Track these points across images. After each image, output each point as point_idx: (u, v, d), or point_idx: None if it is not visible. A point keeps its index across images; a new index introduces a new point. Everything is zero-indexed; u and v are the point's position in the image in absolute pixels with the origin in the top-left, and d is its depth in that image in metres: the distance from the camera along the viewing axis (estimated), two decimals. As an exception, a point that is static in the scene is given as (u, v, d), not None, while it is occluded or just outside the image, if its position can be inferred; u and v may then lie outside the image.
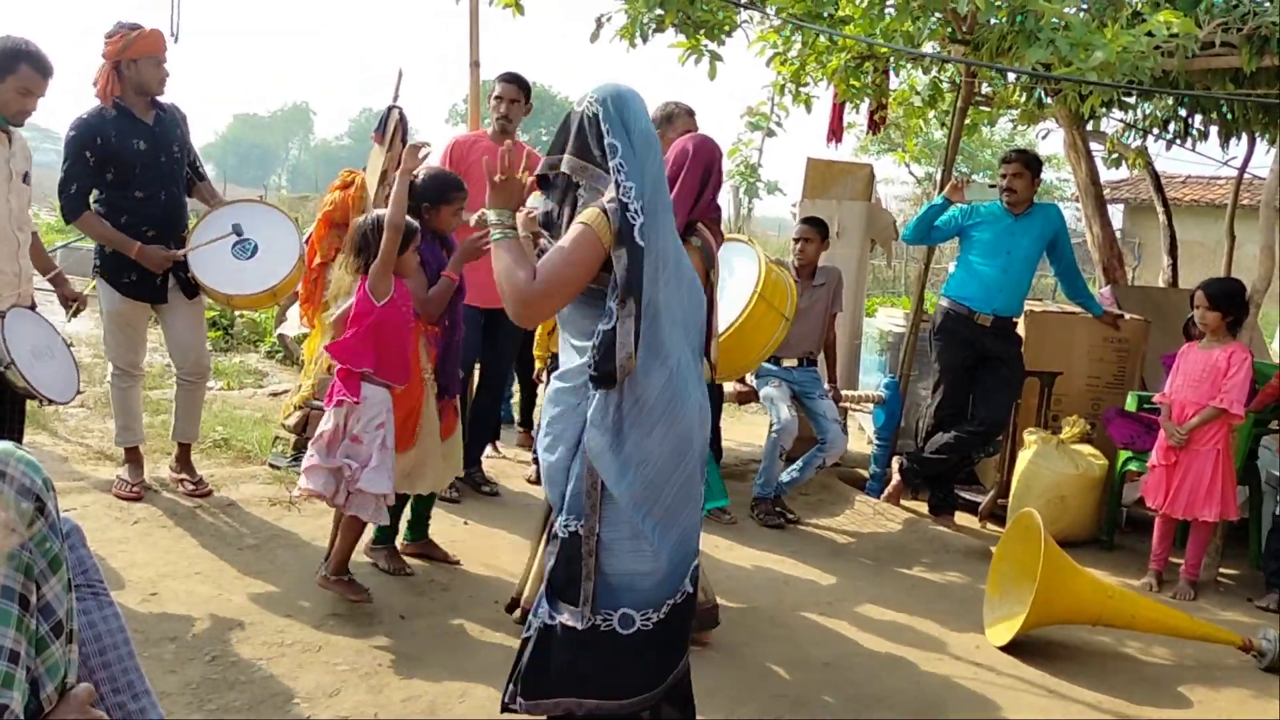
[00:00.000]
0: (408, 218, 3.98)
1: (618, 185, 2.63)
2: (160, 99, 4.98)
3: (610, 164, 2.65)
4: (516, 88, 5.62)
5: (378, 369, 3.95)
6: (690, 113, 5.85)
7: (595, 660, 2.69)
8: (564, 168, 2.74)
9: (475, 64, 6.59)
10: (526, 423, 6.52)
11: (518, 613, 3.93)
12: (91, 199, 4.87)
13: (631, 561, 2.68)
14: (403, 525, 4.57)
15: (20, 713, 1.64)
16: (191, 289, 5.03)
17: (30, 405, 4.50)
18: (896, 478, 6.26)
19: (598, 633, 2.69)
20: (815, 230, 6.12)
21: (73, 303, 4.68)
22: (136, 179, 4.86)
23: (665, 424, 2.67)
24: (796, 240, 6.16)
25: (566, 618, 2.69)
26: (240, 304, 5.37)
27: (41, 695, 1.74)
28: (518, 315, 2.65)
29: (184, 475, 5.19)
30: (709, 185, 3.59)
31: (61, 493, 1.99)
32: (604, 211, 2.61)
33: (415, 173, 4.30)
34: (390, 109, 5.31)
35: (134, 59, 4.80)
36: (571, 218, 2.70)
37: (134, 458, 5.13)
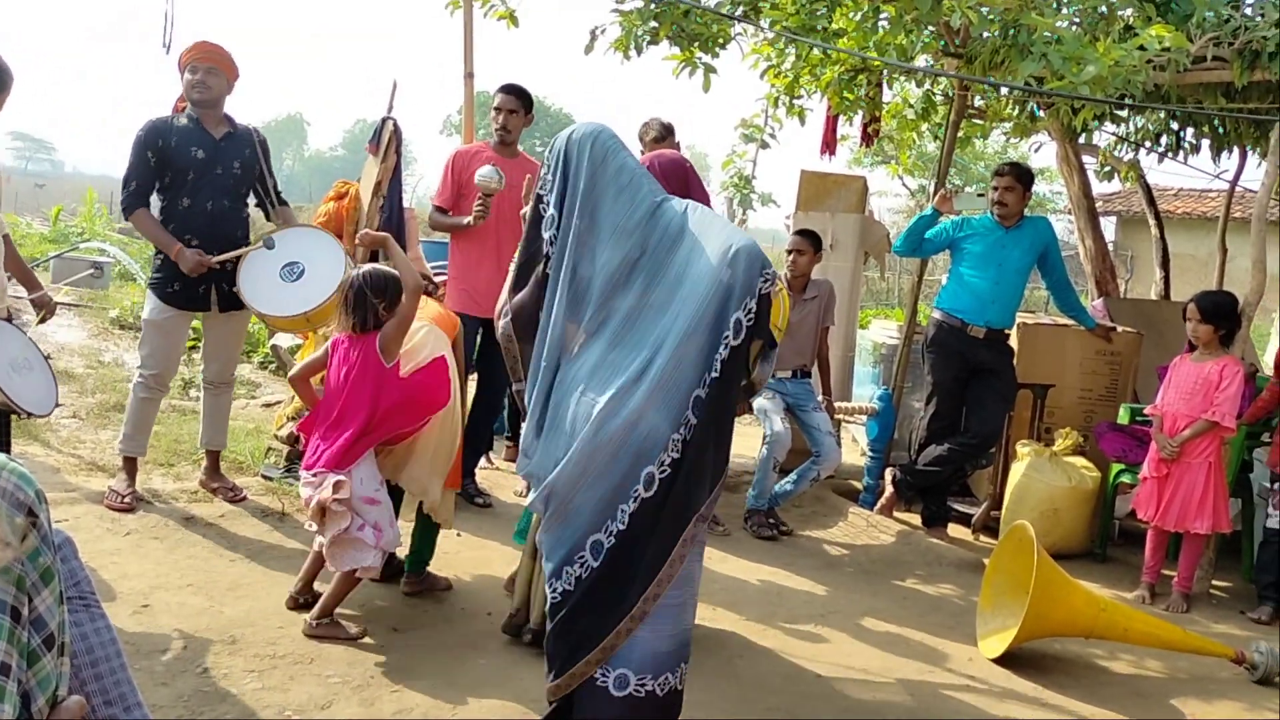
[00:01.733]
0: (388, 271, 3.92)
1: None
2: (234, 118, 5.09)
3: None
4: (515, 99, 5.64)
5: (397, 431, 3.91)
6: (669, 131, 5.89)
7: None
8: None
9: (469, 75, 6.62)
10: (517, 435, 6.51)
11: (528, 636, 3.89)
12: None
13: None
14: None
15: (11, 725, 1.63)
16: (227, 302, 5.05)
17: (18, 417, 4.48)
18: (889, 489, 6.27)
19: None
20: (808, 242, 6.12)
21: (41, 309, 4.65)
22: (188, 187, 4.93)
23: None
24: (789, 252, 6.17)
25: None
26: (276, 324, 5.37)
27: (33, 708, 1.73)
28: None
29: (218, 484, 5.23)
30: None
31: (53, 504, 1.98)
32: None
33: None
34: (384, 120, 5.32)
35: (181, 70, 4.97)
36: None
37: (129, 468, 5.13)
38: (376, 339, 3.82)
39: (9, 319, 4.30)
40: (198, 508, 5.07)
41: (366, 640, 3.88)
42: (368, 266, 3.97)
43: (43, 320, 4.64)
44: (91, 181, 27.60)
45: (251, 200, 5.24)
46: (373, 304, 3.82)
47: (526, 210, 3.39)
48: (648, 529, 2.80)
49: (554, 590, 2.88)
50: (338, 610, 3.93)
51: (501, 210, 5.34)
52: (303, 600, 4.03)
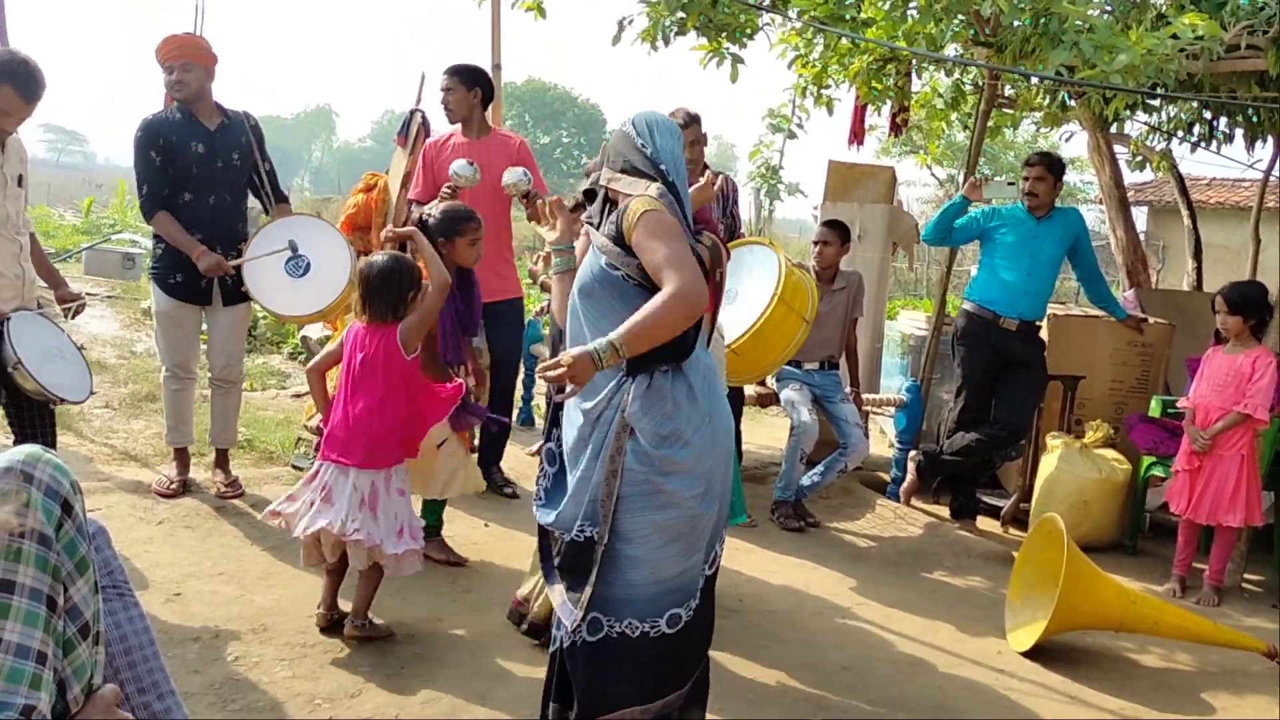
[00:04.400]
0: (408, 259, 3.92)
1: (663, 174, 2.82)
2: (227, 107, 5.08)
3: (649, 158, 2.85)
4: (451, 77, 5.47)
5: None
6: (695, 120, 5.85)
7: (648, 666, 2.78)
8: (602, 180, 2.92)
9: (497, 67, 6.60)
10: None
11: (525, 625, 3.92)
12: None
13: (646, 571, 2.75)
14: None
15: (48, 714, 1.65)
16: (230, 296, 5.08)
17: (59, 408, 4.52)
18: (911, 475, 6.23)
19: (616, 642, 2.76)
20: (835, 233, 6.10)
21: (70, 304, 4.67)
22: (190, 182, 4.95)
23: (711, 412, 2.83)
24: (816, 243, 6.15)
25: (570, 623, 2.78)
26: (289, 321, 5.40)
27: (68, 696, 1.75)
28: (693, 311, 2.64)
29: (218, 479, 5.26)
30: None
31: (87, 493, 2.00)
32: (655, 197, 2.75)
33: (430, 213, 4.28)
34: (413, 112, 5.34)
35: (161, 65, 4.92)
36: (609, 220, 2.85)
37: (180, 457, 5.22)
38: (398, 331, 3.79)
39: (38, 310, 4.34)
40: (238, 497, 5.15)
41: (395, 630, 3.90)
42: (386, 255, 3.90)
43: (75, 314, 4.68)
44: (123, 174, 27.78)
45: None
46: (399, 295, 3.80)
47: (564, 197, 3.40)
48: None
49: (689, 609, 2.81)
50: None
51: (478, 194, 5.13)
52: (335, 618, 3.89)
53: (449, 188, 4.90)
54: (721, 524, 2.94)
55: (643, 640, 2.75)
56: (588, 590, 2.73)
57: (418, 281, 3.86)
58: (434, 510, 4.62)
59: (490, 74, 5.75)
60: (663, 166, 2.84)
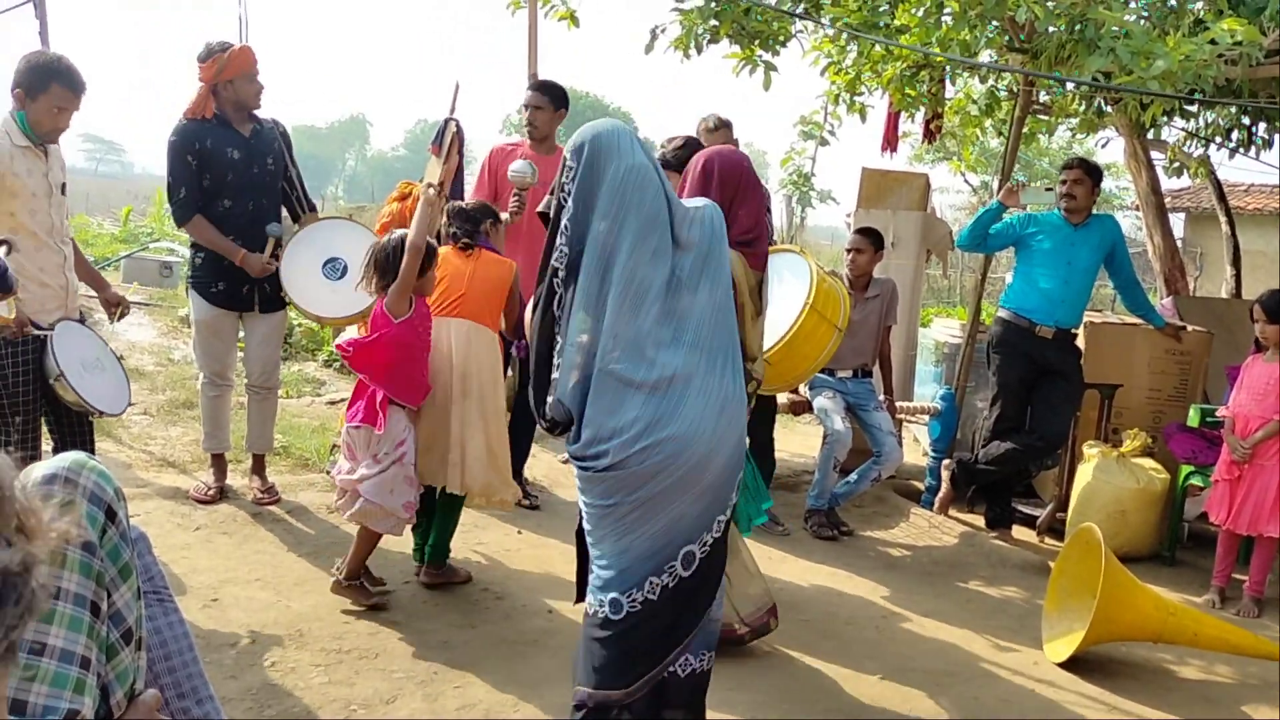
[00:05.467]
0: (428, 239, 4.09)
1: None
2: (259, 114, 5.12)
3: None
4: (541, 95, 5.64)
5: (391, 388, 4.02)
6: (727, 125, 5.86)
7: (596, 650, 2.82)
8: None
9: (533, 77, 6.64)
10: None
11: None
12: None
13: (613, 540, 2.80)
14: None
15: (91, 718, 1.67)
16: (268, 303, 5.12)
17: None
18: (946, 485, 6.19)
19: (596, 621, 2.82)
20: (868, 240, 6.08)
21: (115, 307, 4.72)
22: (227, 188, 5.00)
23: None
24: (849, 251, 6.13)
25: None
26: (329, 324, 5.46)
27: (111, 701, 1.78)
28: None
29: (256, 485, 5.31)
30: (736, 202, 3.49)
31: (126, 499, 2.04)
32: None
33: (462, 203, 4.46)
34: (447, 121, 5.36)
35: (230, 79, 4.95)
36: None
37: (217, 463, 5.28)
38: (384, 299, 4.07)
39: (81, 320, 4.40)
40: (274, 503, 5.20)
41: (430, 636, 3.92)
42: (397, 233, 4.18)
43: (120, 317, 4.74)
44: (160, 183, 28.10)
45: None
46: (390, 268, 4.06)
47: None
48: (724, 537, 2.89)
49: (631, 599, 2.79)
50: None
51: (535, 204, 5.23)
52: (360, 582, 4.19)
53: (515, 198, 5.11)
54: (695, 525, 2.82)
55: (593, 619, 2.83)
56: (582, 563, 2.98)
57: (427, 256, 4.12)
58: (443, 539, 4.48)
59: (528, 83, 5.83)
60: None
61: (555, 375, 2.81)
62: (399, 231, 4.17)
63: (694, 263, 2.85)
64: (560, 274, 2.82)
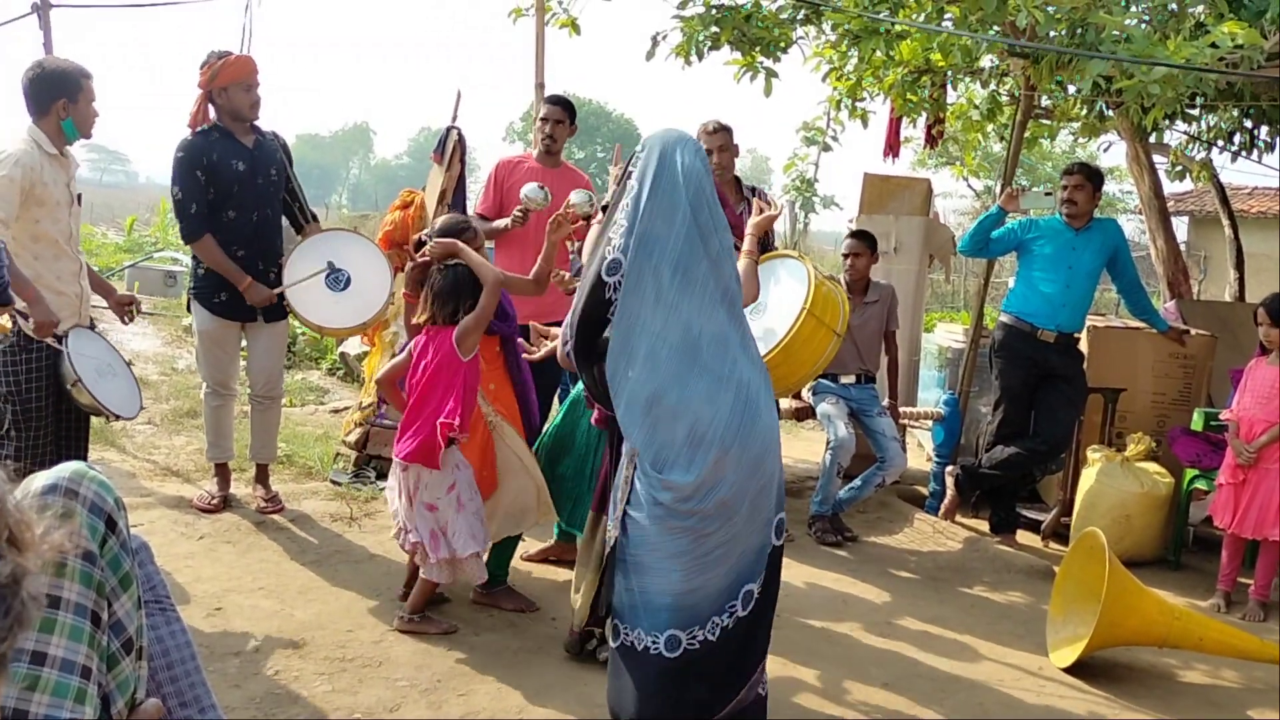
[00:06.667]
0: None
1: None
2: (260, 125, 5.13)
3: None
4: (561, 109, 5.63)
5: (465, 429, 3.94)
6: (727, 129, 5.86)
7: (641, 685, 2.79)
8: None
9: (540, 86, 6.65)
10: None
11: (592, 644, 3.89)
12: None
13: (681, 576, 2.76)
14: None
15: (92, 727, 1.67)
16: (271, 312, 5.13)
17: (97, 423, 4.59)
18: (951, 491, 6.19)
19: (627, 651, 2.81)
20: (863, 244, 6.07)
21: (128, 306, 4.71)
22: (232, 199, 5.00)
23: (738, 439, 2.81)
24: (845, 256, 6.13)
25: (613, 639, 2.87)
26: (331, 334, 5.47)
27: (112, 711, 1.78)
28: None
29: (259, 493, 5.30)
30: None
31: (129, 509, 2.04)
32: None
33: (427, 234, 4.32)
34: (449, 129, 5.39)
35: (224, 86, 4.95)
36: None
37: (220, 473, 5.28)
38: (454, 333, 3.90)
39: (91, 327, 4.42)
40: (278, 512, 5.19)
41: (434, 644, 3.92)
42: (453, 264, 4.01)
43: (131, 318, 4.77)
44: (164, 192, 28.15)
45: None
46: (463, 298, 3.91)
47: None
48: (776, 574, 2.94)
49: (692, 638, 2.79)
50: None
51: (543, 219, 5.24)
52: (425, 614, 4.12)
53: (520, 210, 5.05)
54: (756, 558, 2.86)
55: (644, 656, 2.79)
56: (605, 591, 2.91)
57: (478, 286, 3.95)
58: (500, 562, 4.44)
59: (535, 93, 5.83)
60: None
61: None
62: (463, 258, 3.98)
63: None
64: (619, 269, 2.85)
